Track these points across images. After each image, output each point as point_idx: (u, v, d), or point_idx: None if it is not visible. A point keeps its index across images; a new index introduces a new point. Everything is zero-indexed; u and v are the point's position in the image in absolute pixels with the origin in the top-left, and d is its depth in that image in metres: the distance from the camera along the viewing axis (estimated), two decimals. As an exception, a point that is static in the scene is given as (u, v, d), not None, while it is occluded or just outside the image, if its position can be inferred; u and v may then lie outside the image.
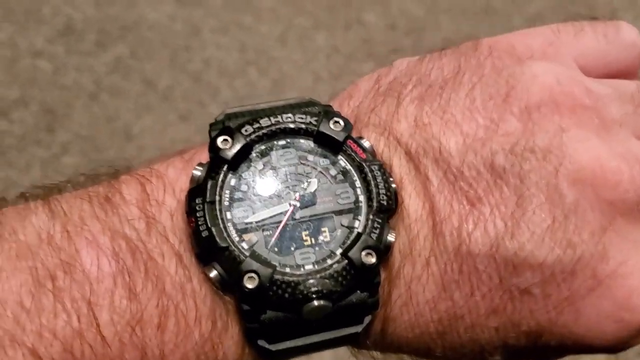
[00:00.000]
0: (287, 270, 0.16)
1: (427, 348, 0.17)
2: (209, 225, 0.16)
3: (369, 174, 0.18)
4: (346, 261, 0.17)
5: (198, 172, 0.17)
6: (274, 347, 0.16)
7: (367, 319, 0.17)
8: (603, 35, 0.19)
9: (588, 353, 0.18)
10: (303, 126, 0.18)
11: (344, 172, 0.18)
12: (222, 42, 1.12)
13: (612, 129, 0.17)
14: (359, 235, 0.17)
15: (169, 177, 0.17)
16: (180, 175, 0.17)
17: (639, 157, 0.17)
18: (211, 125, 0.18)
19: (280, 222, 0.17)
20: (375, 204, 0.17)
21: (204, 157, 0.18)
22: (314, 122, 0.18)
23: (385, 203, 0.17)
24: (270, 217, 0.17)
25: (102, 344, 0.15)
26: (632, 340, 0.17)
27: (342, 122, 0.18)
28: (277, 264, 0.16)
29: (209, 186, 0.17)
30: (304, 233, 0.17)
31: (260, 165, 0.18)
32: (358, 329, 0.17)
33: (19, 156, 0.98)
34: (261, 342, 0.16)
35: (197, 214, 0.16)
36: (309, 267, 0.17)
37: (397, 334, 0.17)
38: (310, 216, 0.17)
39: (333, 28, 1.15)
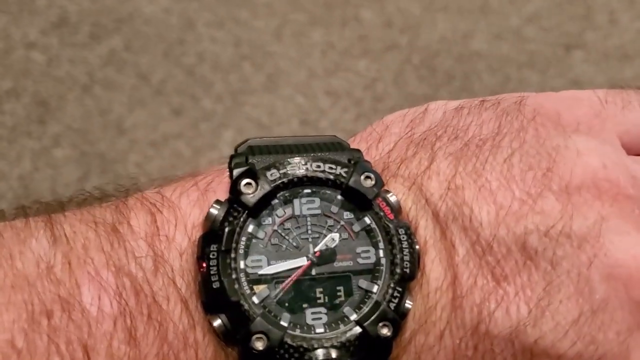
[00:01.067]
0: (297, 331, 0.15)
1: None
2: (221, 277, 0.15)
3: (395, 237, 0.16)
4: (360, 330, 0.16)
5: (215, 212, 0.16)
6: None
7: None
8: None
9: None
10: (332, 177, 0.17)
11: (368, 230, 0.17)
12: (217, 36, 1.11)
13: None
14: (377, 304, 0.16)
15: (182, 209, 0.16)
16: (193, 208, 0.16)
17: None
18: (232, 157, 0.17)
19: (295, 276, 0.16)
20: (397, 271, 0.16)
21: (221, 188, 0.16)
22: (344, 175, 0.17)
23: (408, 271, 0.16)
24: (286, 270, 0.16)
25: None
26: None
27: (373, 178, 0.17)
28: (287, 324, 0.15)
29: (225, 233, 0.16)
30: (318, 290, 0.16)
31: (281, 213, 0.17)
32: None
33: (9, 148, 0.97)
34: None
35: (210, 262, 0.15)
36: (319, 330, 0.15)
37: None
38: (328, 273, 0.16)
39: (329, 24, 1.14)
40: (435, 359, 0.16)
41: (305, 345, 0.15)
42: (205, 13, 1.13)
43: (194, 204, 0.16)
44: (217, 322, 0.15)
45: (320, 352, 0.15)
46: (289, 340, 0.15)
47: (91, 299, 0.15)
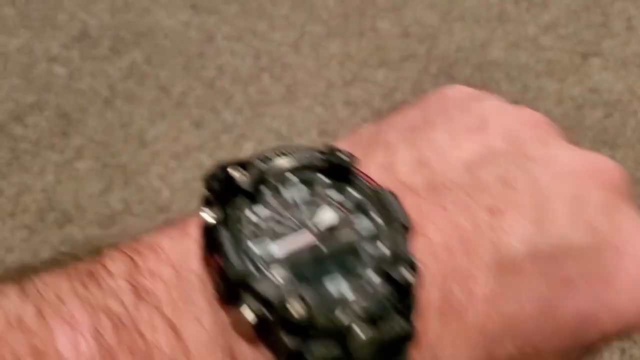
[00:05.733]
0: (328, 297, 0.15)
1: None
2: (241, 258, 0.15)
3: (385, 200, 0.17)
4: (388, 282, 0.15)
5: (208, 216, 0.16)
6: None
7: (407, 349, 0.15)
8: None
9: (628, 332, 0.18)
10: (312, 159, 0.17)
11: (358, 202, 0.17)
12: (236, 48, 1.12)
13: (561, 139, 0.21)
14: (392, 257, 0.16)
15: (164, 247, 0.16)
16: (177, 242, 0.16)
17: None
18: (208, 173, 0.17)
19: (306, 254, 0.16)
20: (397, 225, 0.17)
21: (196, 220, 0.16)
22: (322, 157, 0.18)
23: (404, 222, 0.17)
24: (296, 250, 0.16)
25: None
26: None
27: (346, 153, 0.18)
28: (319, 295, 0.15)
29: (230, 219, 0.16)
30: (330, 264, 0.16)
31: (272, 199, 0.17)
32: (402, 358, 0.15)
33: (32, 161, 0.99)
34: None
35: (225, 248, 0.15)
36: (348, 295, 0.15)
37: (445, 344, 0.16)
38: (337, 247, 0.16)
39: (346, 35, 1.15)
40: (471, 310, 0.16)
41: (339, 307, 0.15)
42: (224, 26, 1.15)
43: (178, 240, 0.16)
44: (251, 317, 0.14)
45: (357, 307, 0.15)
46: (322, 304, 0.15)
47: (67, 343, 0.14)
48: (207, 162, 0.97)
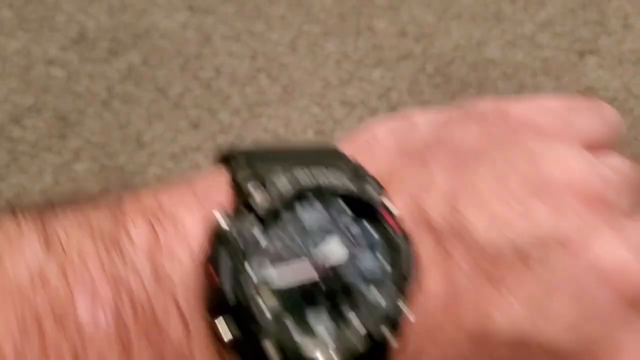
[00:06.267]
0: (306, 340, 0.15)
1: None
2: (233, 285, 0.15)
3: (399, 246, 0.17)
4: (365, 332, 0.16)
5: (220, 220, 0.15)
6: None
7: None
8: (598, 117, 0.21)
9: None
10: (340, 186, 0.16)
11: (372, 241, 0.17)
12: (234, 49, 1.12)
13: (618, 219, 0.18)
14: (383, 311, 0.16)
15: (180, 219, 0.16)
16: (193, 217, 0.16)
17: None
18: (231, 160, 0.16)
19: (302, 284, 0.16)
20: (400, 279, 0.16)
21: (220, 196, 0.16)
22: (349, 184, 0.16)
23: (409, 279, 0.17)
24: (293, 278, 0.16)
25: None
26: None
27: (376, 188, 0.17)
28: (295, 332, 0.15)
29: (234, 240, 0.15)
30: (323, 300, 0.16)
31: (289, 220, 0.16)
32: None
33: (31, 162, 0.99)
34: None
35: (220, 268, 0.15)
36: (326, 339, 0.15)
37: None
38: (334, 283, 0.16)
39: (343, 35, 1.15)
40: None
41: (310, 353, 0.15)
42: (221, 27, 1.15)
43: (194, 214, 0.16)
44: (228, 337, 0.15)
45: (331, 352, 0.15)
46: (298, 345, 0.15)
47: (86, 313, 0.14)
48: (204, 163, 0.98)
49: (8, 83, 1.10)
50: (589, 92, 1.09)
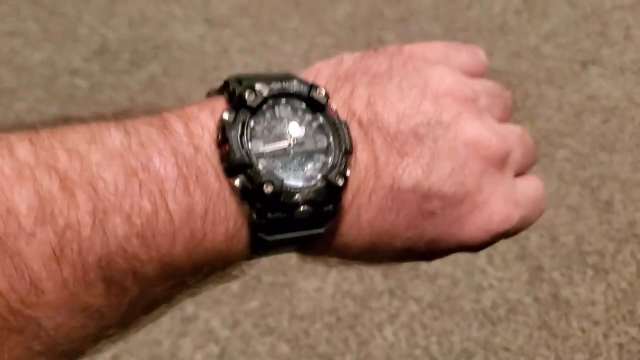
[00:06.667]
0: (288, 184, 0.23)
1: (361, 253, 0.26)
2: (241, 150, 0.23)
3: (339, 128, 0.25)
4: (325, 182, 0.24)
5: (227, 115, 0.23)
6: (270, 238, 0.23)
7: (328, 224, 0.24)
8: (472, 53, 0.29)
9: (464, 252, 0.27)
10: (299, 92, 0.25)
11: (321, 125, 0.25)
12: (249, 61, 1.16)
13: (484, 113, 0.27)
14: (332, 166, 0.24)
15: (202, 119, 0.23)
16: (209, 119, 0.23)
17: (499, 131, 0.26)
18: (227, 81, 0.25)
19: (281, 153, 0.24)
20: (342, 148, 0.24)
21: (221, 104, 0.24)
22: (306, 90, 0.25)
23: (348, 148, 0.24)
24: (276, 149, 0.24)
25: (169, 221, 0.21)
26: (490, 242, 0.27)
27: (324, 92, 0.25)
28: (282, 180, 0.23)
29: (239, 124, 0.23)
30: (295, 162, 0.24)
31: (269, 115, 0.24)
32: (321, 230, 0.24)
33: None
34: (261, 235, 0.23)
35: (232, 142, 0.22)
36: (300, 184, 0.24)
37: (344, 241, 0.25)
38: (301, 152, 0.24)
39: (354, 46, 1.19)
40: (367, 211, 0.25)
41: (294, 190, 0.23)
42: (238, 39, 1.19)
43: (209, 116, 0.23)
44: (237, 182, 0.22)
45: (303, 193, 0.23)
46: (285, 188, 0.23)
47: (159, 166, 0.21)
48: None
49: (34, 93, 1.15)
50: (591, 100, 1.13)
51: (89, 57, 1.18)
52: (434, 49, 0.28)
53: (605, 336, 0.83)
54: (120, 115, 0.22)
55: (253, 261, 0.25)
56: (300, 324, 0.84)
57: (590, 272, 0.89)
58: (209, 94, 0.25)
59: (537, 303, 0.86)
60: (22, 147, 0.20)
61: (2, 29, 1.23)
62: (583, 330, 0.84)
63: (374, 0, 1.27)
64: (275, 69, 1.15)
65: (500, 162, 0.27)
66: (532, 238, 0.92)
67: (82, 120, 0.22)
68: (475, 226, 0.26)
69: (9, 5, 1.26)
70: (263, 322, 0.84)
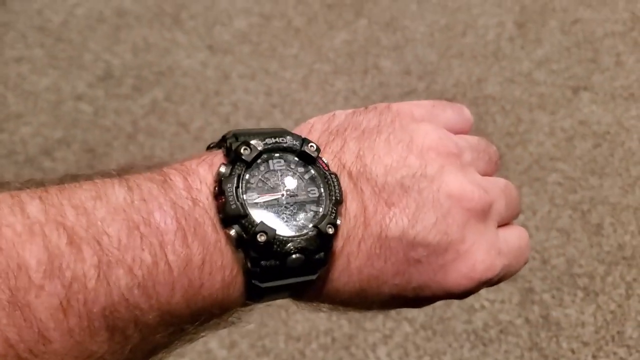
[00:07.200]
0: (280, 234, 0.24)
1: (351, 298, 0.27)
2: (237, 201, 0.24)
3: (330, 180, 0.26)
4: (317, 231, 0.25)
5: (223, 169, 0.25)
6: (264, 285, 0.24)
7: (320, 271, 0.25)
8: (458, 111, 0.30)
9: (450, 298, 0.28)
10: (292, 146, 0.26)
11: (313, 177, 0.26)
12: (250, 86, 1.19)
13: (467, 167, 0.28)
14: (323, 216, 0.25)
15: (200, 173, 0.25)
16: (207, 173, 0.25)
17: (481, 184, 0.27)
18: (225, 137, 0.26)
19: (274, 204, 0.25)
20: (333, 198, 0.26)
21: (219, 159, 0.26)
22: (298, 144, 0.26)
23: (339, 198, 0.26)
24: (269, 200, 0.25)
25: (169, 272, 0.22)
26: (474, 290, 0.28)
27: (315, 147, 0.27)
28: (275, 230, 0.24)
29: (235, 177, 0.25)
30: (288, 213, 0.25)
31: (263, 168, 0.26)
32: (313, 277, 0.25)
33: (63, 192, 1.05)
34: (255, 282, 0.24)
35: (228, 194, 0.24)
36: (292, 233, 0.25)
37: (334, 287, 0.26)
38: (293, 203, 0.26)
39: (351, 73, 1.21)
40: (357, 259, 0.26)
41: (286, 239, 0.24)
42: (239, 66, 1.22)
43: (207, 171, 0.25)
44: (233, 232, 0.24)
45: (295, 242, 0.24)
46: (277, 237, 0.24)
47: (160, 219, 0.22)
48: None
49: (39, 118, 1.17)
50: (582, 125, 1.15)
51: (93, 83, 1.20)
52: (421, 107, 0.30)
53: (595, 357, 0.85)
54: (124, 171, 0.24)
55: (247, 308, 0.26)
56: (296, 344, 0.86)
57: (580, 294, 0.90)
58: (209, 148, 0.27)
59: (528, 324, 0.88)
60: (33, 205, 0.21)
61: (9, 55, 1.25)
62: (573, 351, 0.85)
63: (370, 28, 1.30)
64: (275, 95, 1.18)
65: (482, 213, 0.28)
66: (523, 260, 0.93)
67: (88, 177, 0.23)
68: (459, 274, 0.27)
69: (17, 32, 1.29)
70: (260, 342, 0.86)
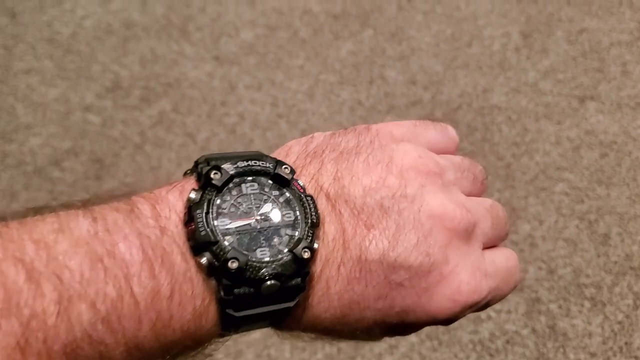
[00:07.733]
0: (254, 259, 0.24)
1: (333, 325, 0.26)
2: (207, 227, 0.23)
3: (305, 202, 0.25)
4: (292, 255, 0.24)
5: (193, 195, 0.24)
6: (239, 314, 0.24)
7: (298, 297, 0.25)
8: (441, 130, 0.30)
9: (434, 325, 0.27)
10: (265, 169, 0.26)
11: (288, 200, 0.25)
12: (256, 97, 1.19)
13: (450, 187, 0.27)
14: (299, 239, 0.24)
15: (169, 201, 0.24)
16: (177, 200, 0.24)
17: (465, 204, 0.27)
18: (197, 162, 0.26)
19: (248, 229, 0.24)
20: (309, 221, 0.25)
21: (191, 186, 0.25)
22: (272, 167, 0.26)
23: (315, 221, 0.25)
24: (242, 225, 0.24)
25: (134, 305, 0.21)
26: (460, 315, 0.27)
27: (289, 169, 0.26)
28: (248, 256, 0.24)
29: (205, 203, 0.24)
30: (262, 238, 0.24)
31: (235, 192, 0.25)
32: (291, 304, 0.24)
33: (71, 202, 1.05)
34: (229, 311, 0.23)
35: (197, 220, 0.23)
36: (266, 259, 0.24)
37: (314, 314, 0.25)
38: (267, 227, 0.25)
39: (357, 83, 1.21)
40: (336, 283, 0.25)
41: (259, 265, 0.23)
42: (245, 77, 1.22)
43: (177, 198, 0.24)
44: (204, 260, 0.23)
45: (269, 268, 0.23)
46: (250, 263, 0.23)
47: (125, 251, 0.22)
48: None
49: (48, 128, 1.17)
50: (589, 135, 1.15)
51: (101, 94, 1.21)
52: (401, 127, 0.29)
53: (602, 368, 0.84)
54: (90, 202, 0.23)
55: (225, 338, 0.25)
56: (301, 354, 0.86)
57: (587, 304, 0.90)
58: (185, 174, 0.26)
59: (535, 334, 0.87)
60: None
61: (19, 67, 1.26)
62: (580, 362, 0.85)
63: (376, 39, 1.31)
64: (281, 105, 1.18)
65: (465, 234, 0.27)
66: (530, 270, 0.93)
67: (52, 209, 0.23)
68: (443, 296, 0.26)
69: (26, 44, 1.31)
70: (265, 352, 0.86)
